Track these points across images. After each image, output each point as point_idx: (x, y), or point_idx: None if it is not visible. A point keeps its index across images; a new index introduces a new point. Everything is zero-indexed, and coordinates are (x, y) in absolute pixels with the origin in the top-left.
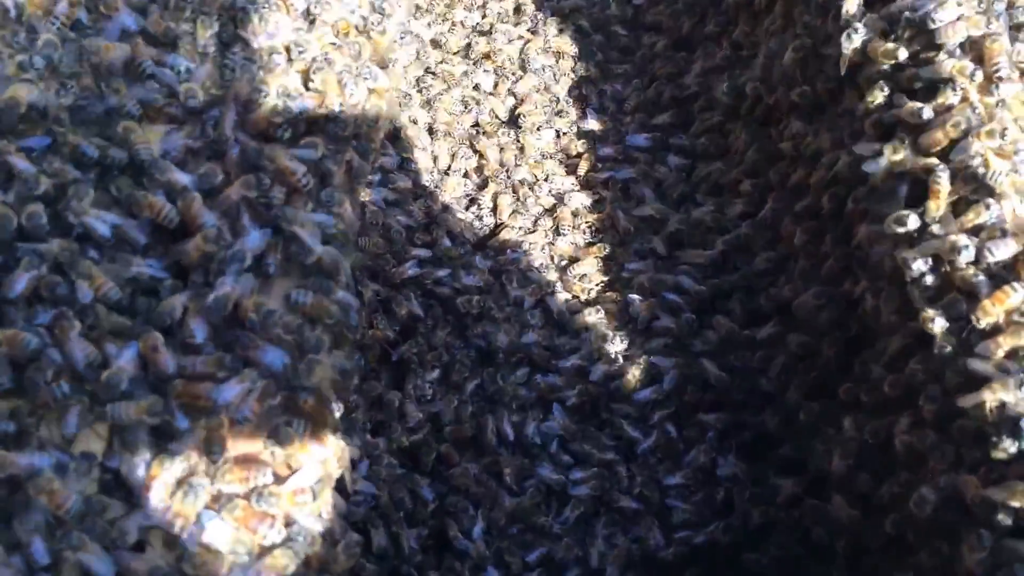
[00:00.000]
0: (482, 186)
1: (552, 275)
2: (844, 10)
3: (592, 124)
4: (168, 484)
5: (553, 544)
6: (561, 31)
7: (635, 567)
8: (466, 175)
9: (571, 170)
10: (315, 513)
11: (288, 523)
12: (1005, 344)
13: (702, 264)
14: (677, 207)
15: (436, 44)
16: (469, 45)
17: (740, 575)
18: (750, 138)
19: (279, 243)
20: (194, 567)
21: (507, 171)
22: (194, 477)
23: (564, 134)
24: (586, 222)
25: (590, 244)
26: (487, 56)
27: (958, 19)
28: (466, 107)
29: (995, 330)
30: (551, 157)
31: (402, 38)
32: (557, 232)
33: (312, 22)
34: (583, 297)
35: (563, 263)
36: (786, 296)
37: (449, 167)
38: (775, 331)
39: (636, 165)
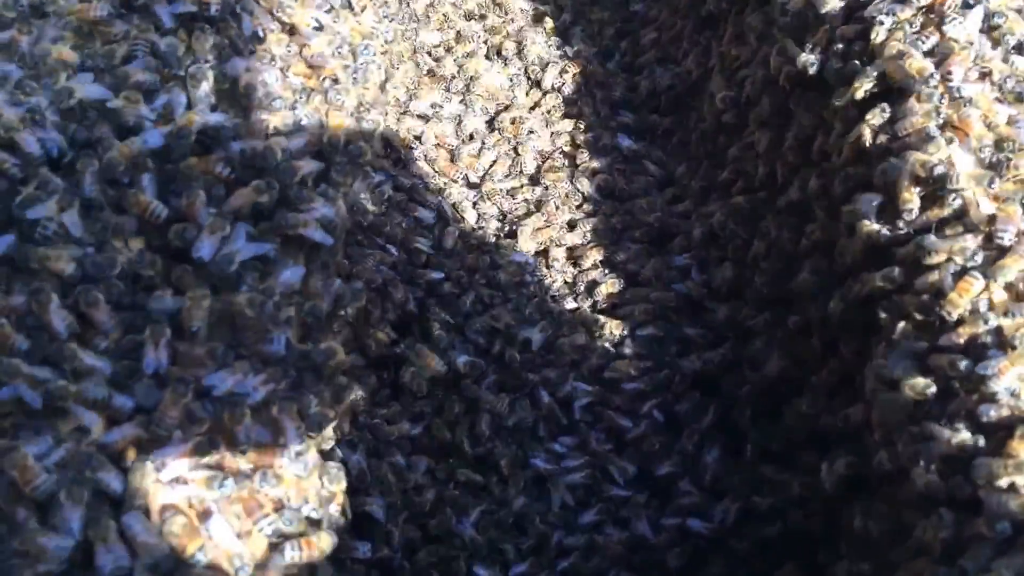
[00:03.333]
0: (480, 190)
1: (547, 271)
2: None
3: (585, 127)
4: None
5: (546, 531)
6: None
7: (624, 553)
8: (466, 181)
9: (563, 172)
10: (307, 496)
11: (277, 508)
12: (965, 334)
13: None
14: (669, 207)
15: (431, 54)
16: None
17: (724, 560)
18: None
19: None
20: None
21: (502, 174)
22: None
23: (558, 135)
24: (583, 221)
25: (589, 244)
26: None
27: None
28: (463, 111)
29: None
30: (546, 159)
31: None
32: (549, 224)
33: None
34: (579, 293)
35: (559, 261)
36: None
37: (448, 174)
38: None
39: (626, 166)
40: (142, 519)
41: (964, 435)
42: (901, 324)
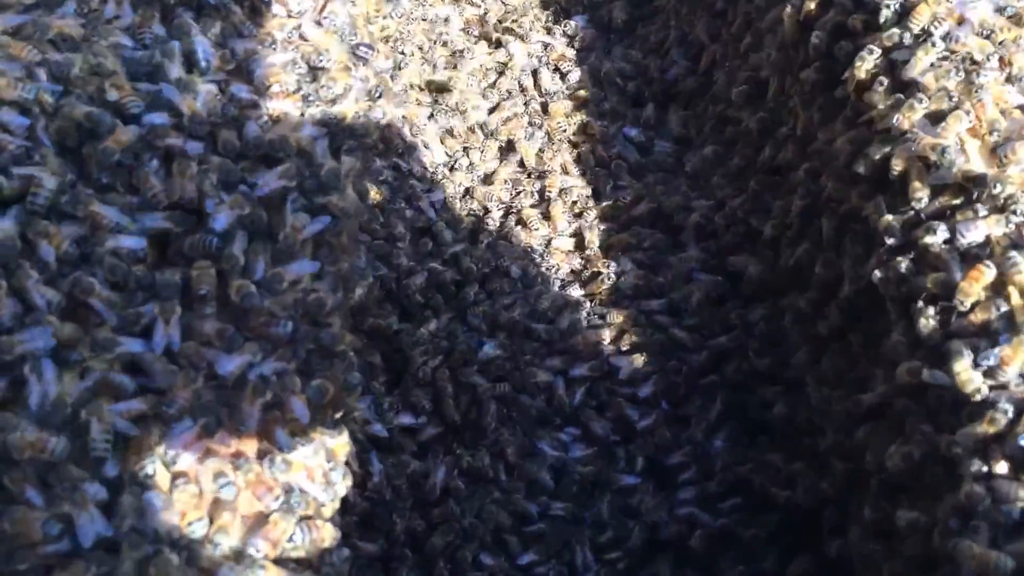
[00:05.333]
0: (484, 178)
1: (553, 260)
2: None
3: (592, 116)
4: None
5: (551, 522)
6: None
7: (635, 543)
8: (470, 168)
9: (569, 160)
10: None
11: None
12: (978, 320)
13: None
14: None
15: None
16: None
17: (736, 551)
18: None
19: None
20: None
21: (507, 162)
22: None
23: (565, 124)
24: (590, 210)
25: (596, 233)
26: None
27: None
28: (466, 98)
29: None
30: (552, 145)
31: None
32: (554, 217)
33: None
34: (586, 282)
35: (565, 251)
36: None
37: (453, 163)
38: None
39: (635, 155)
40: (161, 496)
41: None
42: (931, 309)
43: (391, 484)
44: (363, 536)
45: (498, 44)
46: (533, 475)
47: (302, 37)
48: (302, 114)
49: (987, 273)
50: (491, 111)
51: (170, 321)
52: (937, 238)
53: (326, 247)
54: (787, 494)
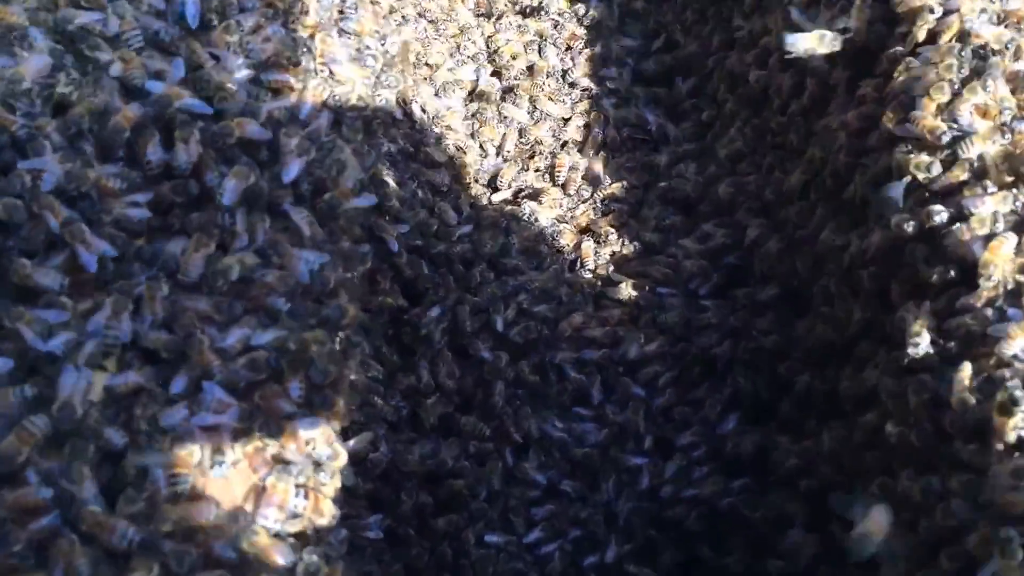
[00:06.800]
0: (494, 159)
1: (563, 241)
2: None
3: (603, 96)
4: None
5: (559, 502)
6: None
7: (640, 524)
8: (478, 148)
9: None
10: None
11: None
12: (985, 295)
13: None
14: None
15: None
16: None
17: (737, 533)
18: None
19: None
20: None
21: (518, 143)
22: None
23: (576, 104)
24: (601, 189)
25: (608, 214)
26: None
27: None
28: (477, 78)
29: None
30: (564, 126)
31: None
32: (567, 194)
33: None
34: (598, 264)
35: (574, 228)
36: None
37: (460, 142)
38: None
39: (646, 135)
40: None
41: None
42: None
43: (397, 463)
44: (369, 516)
45: (509, 22)
46: (540, 454)
47: (306, 12)
48: (304, 88)
49: (1006, 244)
50: (502, 91)
51: (155, 298)
52: (945, 217)
53: (328, 226)
54: (807, 483)
